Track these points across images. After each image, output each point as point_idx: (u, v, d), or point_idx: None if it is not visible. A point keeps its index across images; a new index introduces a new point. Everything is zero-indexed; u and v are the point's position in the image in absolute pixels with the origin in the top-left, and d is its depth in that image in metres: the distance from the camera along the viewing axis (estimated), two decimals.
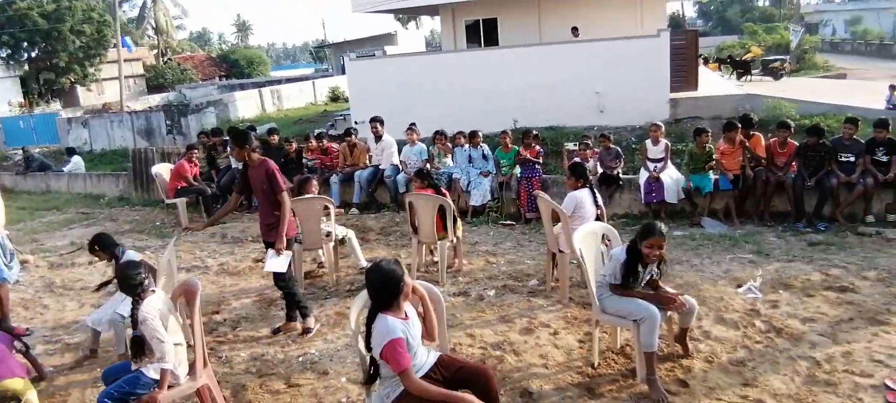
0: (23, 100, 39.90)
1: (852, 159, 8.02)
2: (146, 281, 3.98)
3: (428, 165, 9.57)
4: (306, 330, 5.66)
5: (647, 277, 4.43)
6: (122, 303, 5.12)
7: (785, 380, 4.28)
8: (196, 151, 11.55)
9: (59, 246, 9.82)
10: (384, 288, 3.35)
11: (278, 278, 5.59)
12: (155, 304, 3.89)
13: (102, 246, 5.31)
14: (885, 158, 7.90)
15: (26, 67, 41.30)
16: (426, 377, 3.41)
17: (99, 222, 11.77)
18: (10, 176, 17.69)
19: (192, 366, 4.06)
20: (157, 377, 3.83)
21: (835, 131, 9.20)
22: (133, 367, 3.84)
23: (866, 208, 8.00)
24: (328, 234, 7.01)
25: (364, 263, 7.25)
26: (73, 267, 8.63)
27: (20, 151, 20.52)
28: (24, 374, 4.35)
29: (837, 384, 4.19)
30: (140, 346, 3.84)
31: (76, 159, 17.06)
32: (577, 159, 7.09)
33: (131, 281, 3.90)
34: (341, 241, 7.28)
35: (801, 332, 4.98)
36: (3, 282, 6.02)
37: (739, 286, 6.01)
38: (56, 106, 38.07)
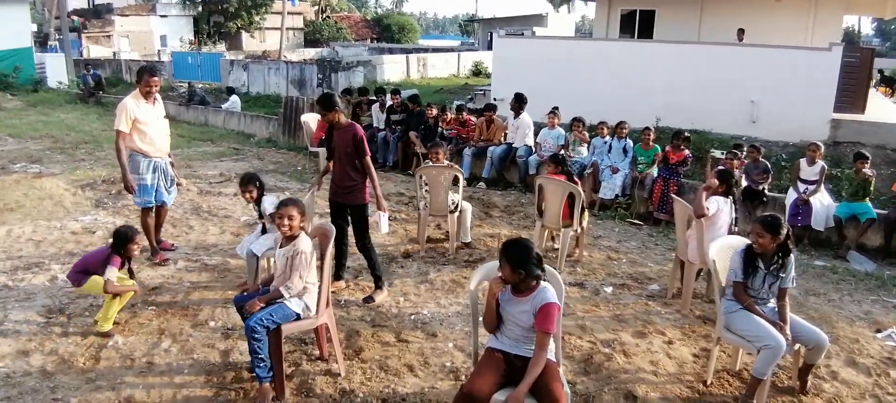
0: (193, 39, 43.39)
1: None
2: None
3: (563, 151, 9.47)
4: (368, 299, 5.73)
5: (770, 281, 4.25)
6: (258, 241, 5.53)
7: None
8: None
9: (210, 175, 10.66)
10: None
11: (366, 241, 5.76)
12: (310, 245, 4.19)
13: (258, 185, 5.60)
14: None
15: (199, 9, 44.77)
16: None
17: (247, 159, 12.65)
18: (175, 105, 19.19)
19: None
20: (299, 310, 4.13)
21: None
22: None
23: None
24: (455, 205, 7.15)
25: (469, 239, 7.37)
26: (220, 196, 9.34)
27: (186, 85, 22.34)
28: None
29: None
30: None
31: (234, 98, 18.35)
32: (722, 167, 6.75)
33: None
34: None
35: None
36: (163, 205, 6.62)
37: (879, 331, 5.54)
38: (221, 47, 41.06)
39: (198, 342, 4.84)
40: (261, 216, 5.64)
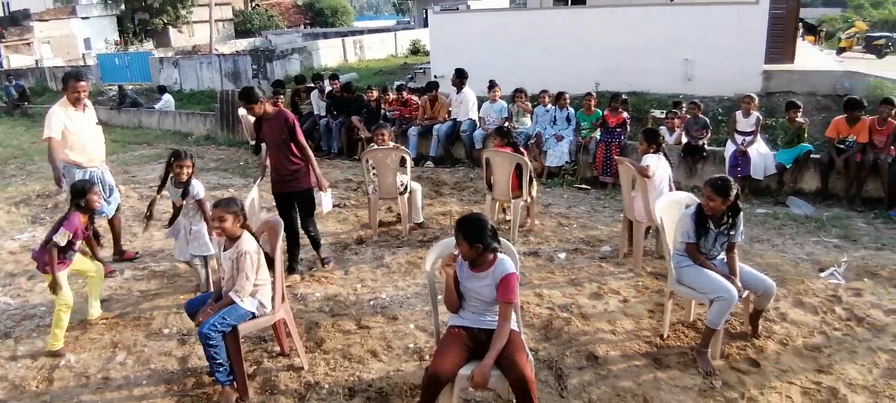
0: (118, 39, 41.84)
1: None
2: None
3: (507, 123, 9.52)
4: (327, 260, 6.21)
5: (721, 240, 4.35)
6: (197, 242, 5.27)
7: (862, 371, 4.13)
8: (282, 96, 11.85)
9: (150, 179, 10.33)
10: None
11: (310, 222, 5.96)
12: (254, 244, 4.05)
13: (193, 162, 5.33)
14: None
15: (122, 7, 43.15)
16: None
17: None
18: (106, 110, 18.58)
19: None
20: (254, 309, 4.04)
21: None
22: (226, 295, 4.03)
23: None
24: (405, 186, 7.12)
25: (421, 219, 7.40)
26: (162, 199, 9.02)
27: (115, 87, 21.56)
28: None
29: None
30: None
31: (167, 97, 17.82)
32: (655, 128, 6.95)
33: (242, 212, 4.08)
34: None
35: (883, 323, 4.77)
36: (102, 215, 6.39)
37: (822, 270, 5.78)
38: (149, 46, 39.65)
39: (154, 351, 4.71)
40: (184, 195, 5.21)
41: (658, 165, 5.79)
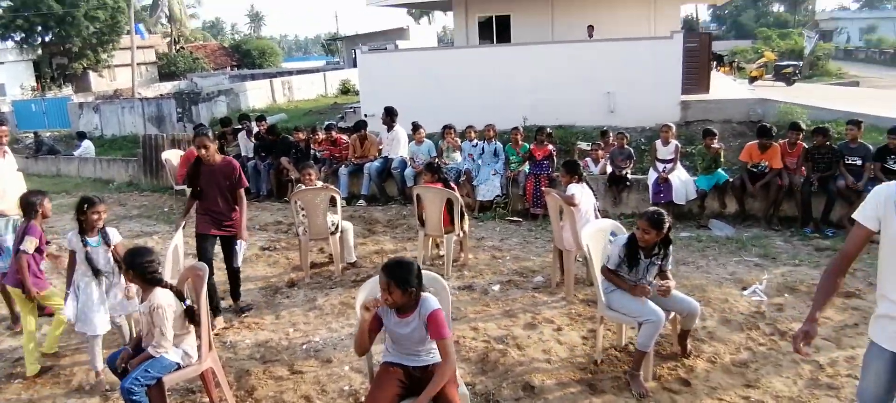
0: (35, 84, 40.20)
1: (859, 162, 7.99)
2: (159, 271, 3.92)
3: (436, 159, 9.58)
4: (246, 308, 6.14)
5: (652, 269, 4.43)
6: (114, 301, 4.89)
7: (787, 383, 4.29)
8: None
9: (69, 228, 9.86)
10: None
11: (235, 268, 6.01)
12: (168, 298, 3.86)
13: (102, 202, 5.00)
14: None
15: (39, 51, 41.54)
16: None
17: (108, 206, 11.82)
18: (22, 159, 17.67)
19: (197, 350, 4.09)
20: (179, 360, 3.87)
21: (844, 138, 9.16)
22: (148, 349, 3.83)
23: None
24: (336, 226, 7.03)
25: (353, 258, 7.33)
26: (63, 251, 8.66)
27: (31, 135, 20.68)
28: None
29: (840, 388, 4.19)
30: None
31: (87, 143, 17.18)
32: (575, 159, 7.21)
33: (148, 268, 3.83)
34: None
35: None
36: None
37: (744, 288, 6.01)
38: (68, 90, 38.25)
39: None
40: (107, 242, 4.83)
41: (582, 194, 5.95)
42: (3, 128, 5.93)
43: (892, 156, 7.85)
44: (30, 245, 4.74)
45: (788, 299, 5.72)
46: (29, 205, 4.95)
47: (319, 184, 7.25)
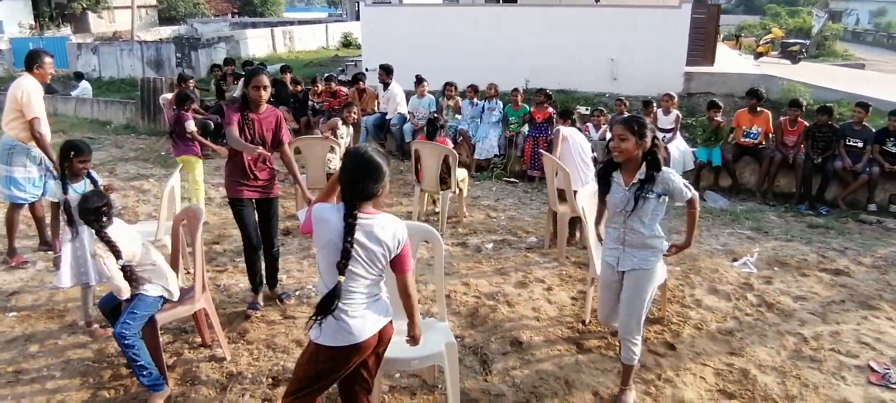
0: (33, 23, 39.69)
1: (860, 145, 8.00)
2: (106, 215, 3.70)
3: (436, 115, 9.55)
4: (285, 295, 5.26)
5: (645, 205, 3.48)
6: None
7: (771, 353, 4.35)
8: (192, 82, 11.28)
9: None
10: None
11: (274, 254, 5.19)
12: (100, 246, 3.66)
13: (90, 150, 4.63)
14: (895, 149, 7.85)
15: None
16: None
17: (105, 148, 11.81)
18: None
19: (191, 289, 4.12)
20: (162, 292, 3.88)
21: (847, 119, 9.14)
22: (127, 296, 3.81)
23: (869, 196, 7.99)
24: (333, 170, 7.05)
25: None
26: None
27: None
28: None
29: (822, 361, 4.25)
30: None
31: (84, 84, 17.02)
32: (577, 121, 7.47)
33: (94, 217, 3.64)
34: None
35: (791, 309, 5.03)
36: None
37: (735, 260, 6.06)
38: (66, 31, 37.79)
39: (68, 343, 4.50)
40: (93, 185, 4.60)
41: (572, 134, 6.17)
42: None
43: (892, 139, 7.86)
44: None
45: (778, 272, 5.77)
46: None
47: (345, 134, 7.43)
